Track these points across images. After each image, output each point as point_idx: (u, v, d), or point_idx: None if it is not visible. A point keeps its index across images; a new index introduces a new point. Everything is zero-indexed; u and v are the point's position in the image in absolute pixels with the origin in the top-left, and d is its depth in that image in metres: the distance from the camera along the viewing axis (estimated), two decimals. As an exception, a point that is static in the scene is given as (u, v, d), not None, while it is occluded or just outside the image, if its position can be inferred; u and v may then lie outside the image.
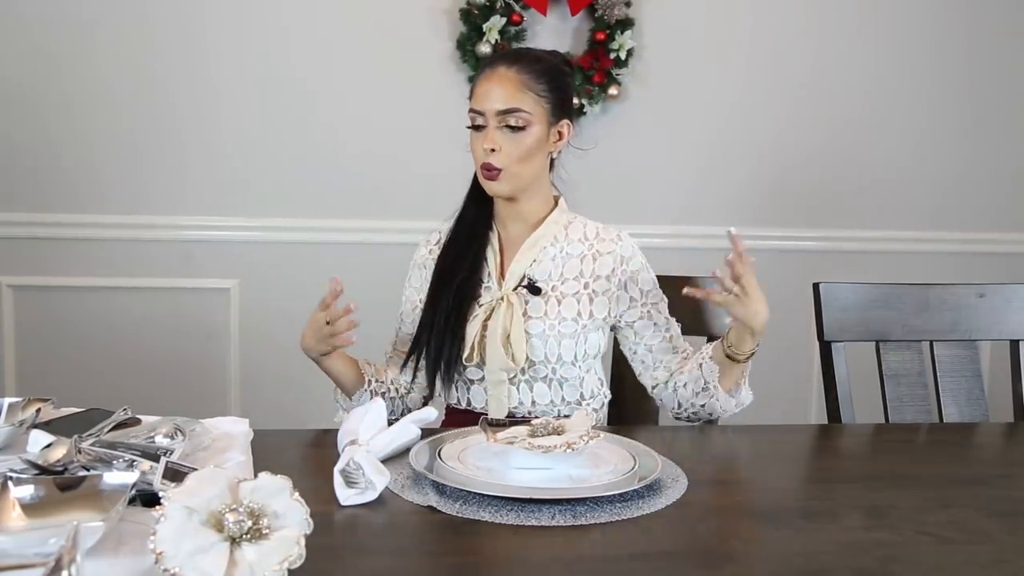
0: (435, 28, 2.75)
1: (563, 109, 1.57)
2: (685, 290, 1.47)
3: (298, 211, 2.76)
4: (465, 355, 1.54)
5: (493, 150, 1.51)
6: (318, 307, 1.46)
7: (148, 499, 0.99)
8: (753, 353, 1.50)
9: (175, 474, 0.99)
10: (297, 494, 0.85)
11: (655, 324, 1.61)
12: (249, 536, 0.82)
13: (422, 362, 1.59)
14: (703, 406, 1.55)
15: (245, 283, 2.76)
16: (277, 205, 2.75)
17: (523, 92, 1.51)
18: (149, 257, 2.71)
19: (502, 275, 1.59)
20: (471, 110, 1.54)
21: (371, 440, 1.23)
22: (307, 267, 2.75)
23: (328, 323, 1.44)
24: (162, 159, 2.70)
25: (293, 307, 2.78)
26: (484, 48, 2.66)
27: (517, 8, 2.70)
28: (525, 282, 1.56)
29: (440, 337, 1.55)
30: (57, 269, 2.69)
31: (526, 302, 1.55)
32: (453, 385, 1.59)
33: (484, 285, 1.59)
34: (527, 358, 1.53)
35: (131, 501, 0.97)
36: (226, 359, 2.78)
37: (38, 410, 1.27)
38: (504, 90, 1.51)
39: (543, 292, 1.56)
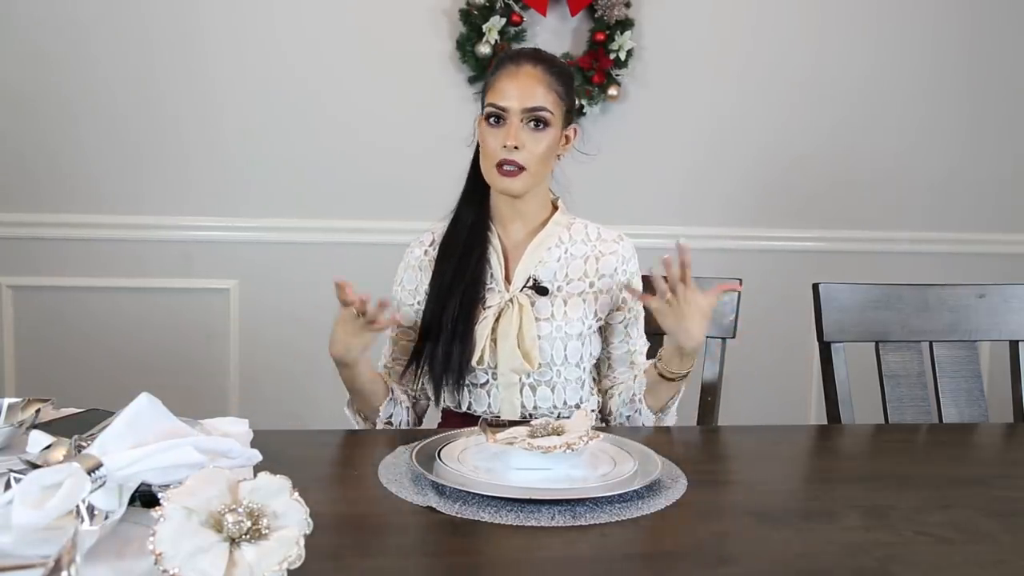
0: (435, 28, 2.75)
1: (571, 114, 1.58)
2: (624, 290, 1.51)
3: (298, 211, 2.76)
4: (475, 359, 1.51)
5: (516, 147, 1.48)
6: (340, 310, 1.42)
7: (148, 499, 0.99)
8: (685, 376, 1.50)
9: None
10: (297, 494, 0.85)
11: (628, 335, 1.63)
12: (248, 536, 0.82)
13: (424, 368, 1.57)
14: (628, 417, 1.58)
15: (244, 284, 2.77)
16: (276, 206, 2.75)
17: (548, 92, 1.50)
18: (149, 258, 2.71)
19: (507, 277, 1.58)
20: (492, 105, 1.50)
21: (120, 454, 0.94)
22: (306, 268, 2.75)
23: (360, 315, 1.39)
24: (162, 160, 2.70)
25: (292, 308, 2.80)
26: (484, 49, 2.66)
27: (517, 8, 2.70)
28: (531, 283, 1.55)
29: (448, 343, 1.52)
30: (57, 269, 2.69)
31: (532, 303, 1.53)
32: (459, 390, 1.56)
33: (488, 287, 1.56)
34: None
35: (131, 501, 0.97)
36: (226, 360, 2.78)
37: (38, 410, 1.27)
38: (533, 88, 1.49)
39: (549, 292, 1.55)
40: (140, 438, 0.96)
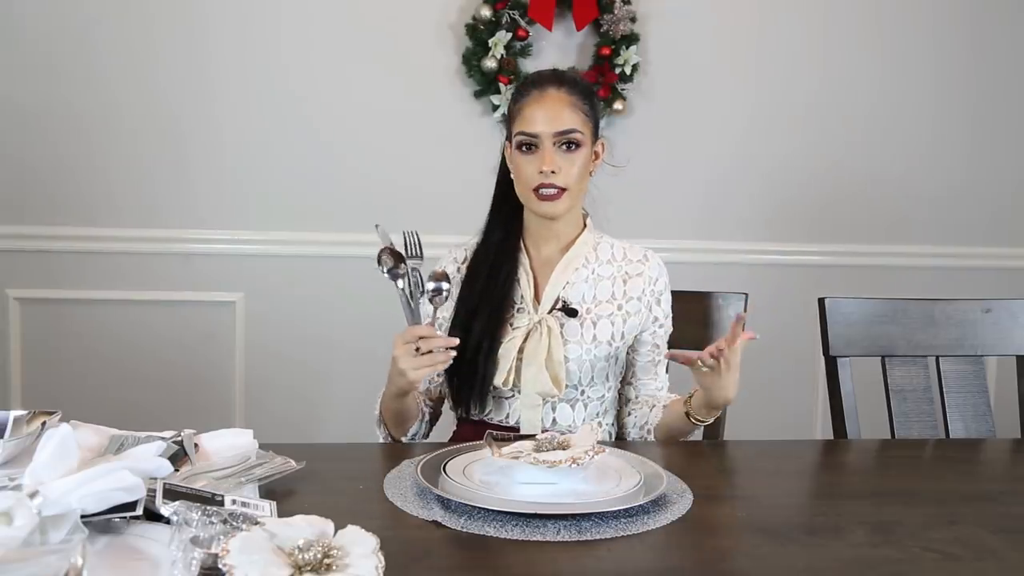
0: (441, 43, 2.76)
1: (598, 129, 1.59)
2: (666, 353, 1.52)
3: (303, 225, 2.76)
4: (501, 380, 1.51)
5: (553, 171, 1.48)
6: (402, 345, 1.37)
7: (150, 514, 0.99)
8: (706, 424, 1.52)
9: (173, 494, 0.98)
10: (380, 554, 0.86)
11: (655, 345, 1.63)
12: (312, 568, 0.83)
13: (453, 383, 1.57)
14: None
15: (250, 296, 2.77)
16: (282, 218, 2.76)
17: (575, 112, 1.51)
18: (154, 270, 2.72)
19: (536, 298, 1.57)
20: (523, 133, 1.50)
21: (55, 482, 0.93)
22: (312, 281, 2.76)
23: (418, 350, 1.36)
24: (167, 172, 2.71)
25: (298, 320, 2.80)
26: (490, 63, 2.67)
27: (523, 23, 2.71)
28: (560, 305, 1.55)
29: (473, 360, 1.51)
30: (63, 282, 2.69)
31: (562, 325, 1.53)
32: (478, 403, 1.56)
33: (517, 307, 1.56)
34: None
35: (136, 517, 0.98)
36: (231, 372, 2.78)
37: (43, 423, 1.27)
38: (560, 111, 1.50)
39: (578, 314, 1.55)
40: (68, 466, 0.96)
